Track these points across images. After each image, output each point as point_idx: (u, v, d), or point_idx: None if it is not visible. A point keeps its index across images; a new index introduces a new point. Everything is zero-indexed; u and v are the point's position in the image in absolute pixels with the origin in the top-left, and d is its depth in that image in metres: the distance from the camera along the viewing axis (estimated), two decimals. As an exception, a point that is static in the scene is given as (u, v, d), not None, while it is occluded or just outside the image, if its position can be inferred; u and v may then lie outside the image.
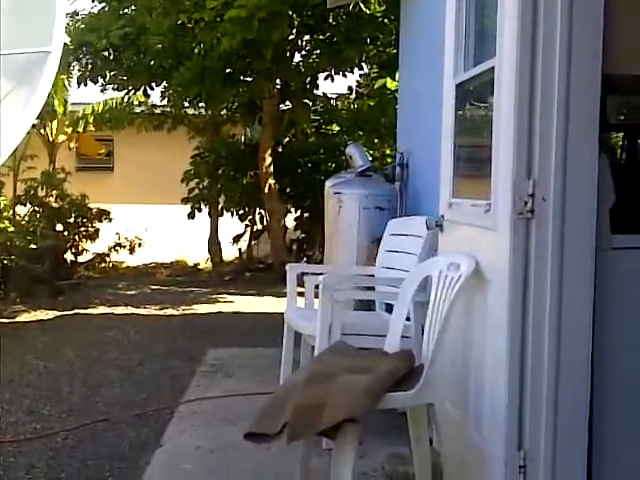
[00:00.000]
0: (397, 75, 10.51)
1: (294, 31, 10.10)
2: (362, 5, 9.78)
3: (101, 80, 10.69)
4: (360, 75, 12.00)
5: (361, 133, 12.15)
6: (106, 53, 10.27)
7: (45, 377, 5.48)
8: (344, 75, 10.72)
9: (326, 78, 10.72)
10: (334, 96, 12.43)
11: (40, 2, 3.48)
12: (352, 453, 2.66)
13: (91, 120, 12.97)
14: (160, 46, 9.72)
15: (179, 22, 9.44)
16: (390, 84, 11.02)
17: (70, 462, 3.78)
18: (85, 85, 10.67)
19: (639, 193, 3.14)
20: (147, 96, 10.94)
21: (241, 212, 12.54)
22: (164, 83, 10.83)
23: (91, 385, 5.27)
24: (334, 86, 11.27)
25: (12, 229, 9.18)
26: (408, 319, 3.55)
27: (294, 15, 9.40)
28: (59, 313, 8.41)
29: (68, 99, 12.52)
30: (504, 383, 2.62)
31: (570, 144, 2.52)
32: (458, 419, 3.11)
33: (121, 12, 10.44)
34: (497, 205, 2.71)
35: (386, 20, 10.27)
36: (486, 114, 3.03)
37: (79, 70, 10.59)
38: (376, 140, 12.20)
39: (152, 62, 10.07)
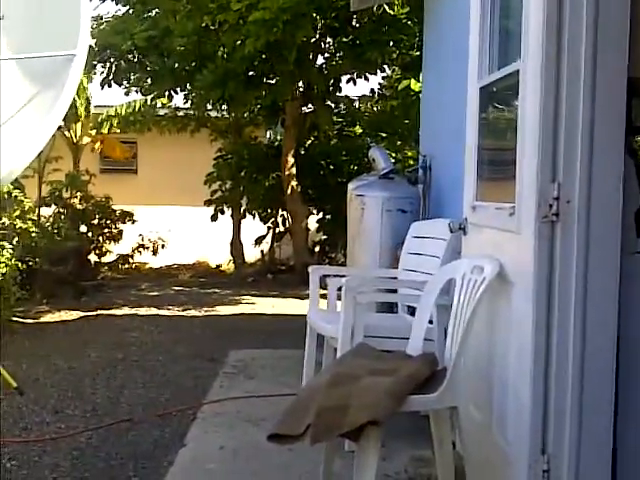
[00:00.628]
0: (421, 77, 10.53)
1: (317, 33, 10.11)
2: (386, 7, 9.76)
3: (125, 83, 10.74)
4: (383, 77, 11.99)
5: (384, 135, 12.13)
6: (130, 56, 10.32)
7: (69, 377, 5.52)
8: (366, 78, 10.70)
9: (348, 81, 10.72)
10: (357, 97, 12.41)
11: (65, 6, 3.52)
12: (375, 455, 2.66)
13: (115, 123, 13.05)
14: (183, 48, 9.76)
15: (203, 25, 9.48)
16: (414, 85, 10.99)
17: (94, 462, 3.81)
18: (109, 87, 10.74)
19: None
20: (171, 99, 10.99)
21: (263, 214, 12.58)
22: (187, 86, 10.88)
23: (115, 385, 5.31)
24: (357, 88, 11.27)
25: (35, 229, 9.25)
26: (431, 322, 3.55)
27: (318, 17, 9.40)
28: (83, 314, 8.47)
29: (91, 101, 12.62)
30: (528, 387, 2.61)
31: (595, 147, 2.51)
32: (481, 422, 3.10)
33: (145, 15, 10.50)
34: (521, 208, 2.70)
35: (409, 22, 10.25)
36: (510, 117, 3.02)
37: (102, 72, 10.66)
38: (399, 142, 12.19)
39: (176, 65, 10.12)
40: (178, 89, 10.68)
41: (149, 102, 12.43)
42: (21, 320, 7.88)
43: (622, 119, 2.54)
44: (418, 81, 10.78)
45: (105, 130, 13.39)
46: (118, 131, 13.49)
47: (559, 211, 2.53)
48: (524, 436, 2.63)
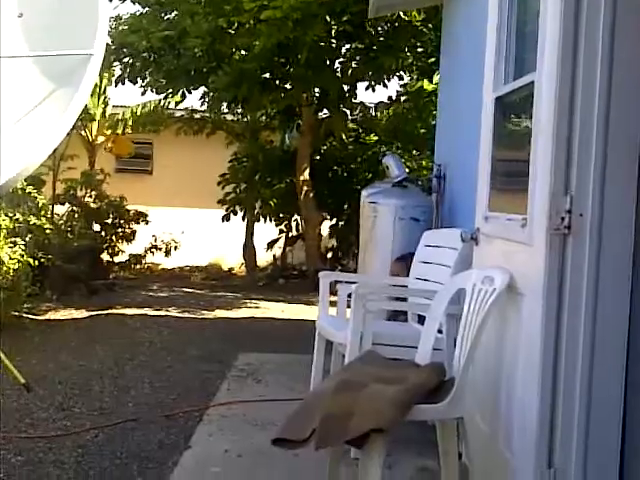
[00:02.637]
0: (434, 79, 10.54)
1: (332, 38, 10.11)
2: (402, 13, 9.75)
3: (140, 82, 10.77)
4: (401, 85, 11.97)
5: (399, 145, 12.12)
6: (146, 54, 10.35)
7: (77, 375, 5.53)
8: (384, 85, 10.67)
9: (367, 88, 10.70)
10: (373, 104, 12.40)
11: (83, 5, 3.53)
12: (379, 463, 2.65)
13: (130, 123, 13.09)
14: (198, 49, 9.79)
15: (218, 26, 9.53)
16: (427, 85, 10.98)
17: (99, 460, 3.81)
18: (123, 84, 10.74)
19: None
20: (184, 98, 10.99)
21: (276, 218, 12.58)
22: (203, 87, 10.90)
23: (122, 385, 5.32)
24: (374, 96, 11.24)
25: (49, 226, 9.29)
26: (440, 332, 3.53)
27: (332, 21, 9.40)
28: (93, 312, 8.50)
29: (109, 101, 12.66)
30: (536, 399, 2.60)
31: (609, 160, 2.50)
32: (488, 434, 3.09)
33: (163, 16, 10.54)
34: (533, 220, 2.69)
35: (425, 29, 10.24)
36: (525, 128, 3.02)
37: (120, 69, 10.69)
38: (414, 152, 12.18)
39: (190, 66, 10.14)
40: (192, 88, 10.68)
41: (163, 102, 12.46)
42: (31, 316, 7.92)
43: (637, 133, 2.53)
44: (431, 82, 10.79)
45: (120, 131, 13.44)
46: (130, 132, 13.54)
47: (571, 224, 2.52)
48: (530, 449, 2.62)
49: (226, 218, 12.42)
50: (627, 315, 2.54)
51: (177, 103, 12.51)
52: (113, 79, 11.17)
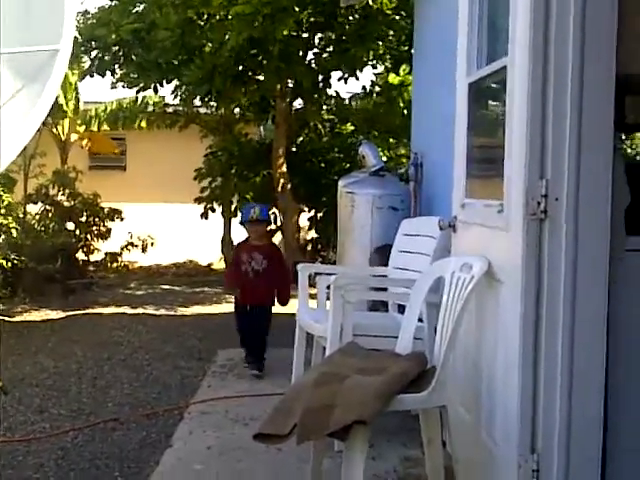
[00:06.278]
0: (401, 71, 10.50)
1: (304, 29, 10.04)
2: (370, 1, 9.68)
3: (110, 76, 10.64)
4: (375, 75, 11.93)
5: (376, 134, 12.09)
6: (116, 48, 10.23)
7: (55, 376, 5.47)
8: (355, 77, 10.61)
9: (339, 79, 10.66)
10: (349, 96, 12.36)
11: (50, 1, 3.47)
12: (362, 455, 2.64)
13: (103, 119, 12.97)
14: (168, 42, 9.70)
15: (187, 18, 9.44)
16: (393, 79, 10.94)
17: (79, 461, 3.77)
18: (91, 77, 10.59)
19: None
20: (156, 92, 10.89)
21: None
22: (175, 81, 10.81)
23: (101, 385, 5.27)
24: (350, 86, 11.19)
25: (15, 225, 9.13)
26: (421, 320, 3.52)
27: (300, 12, 9.33)
28: (70, 312, 8.42)
29: (80, 98, 12.53)
30: (517, 386, 2.58)
31: (583, 144, 2.49)
32: (470, 422, 3.08)
33: (131, 9, 10.41)
34: (510, 206, 2.67)
35: (397, 17, 10.19)
36: (499, 113, 3.00)
37: (89, 63, 10.55)
38: (391, 140, 12.15)
39: (160, 58, 10.04)
40: (164, 82, 10.57)
41: (138, 98, 12.34)
42: (6, 318, 7.83)
43: (611, 116, 2.52)
44: (397, 75, 10.76)
45: (95, 127, 13.31)
46: (107, 128, 13.41)
47: (547, 208, 2.50)
48: (513, 436, 2.61)
49: (204, 216, 12.34)
50: (606, 298, 2.54)
51: (149, 100, 12.40)
52: (79, 74, 11.03)
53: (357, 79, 10.60)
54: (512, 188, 2.65)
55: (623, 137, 4.44)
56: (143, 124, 13.18)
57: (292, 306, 5.53)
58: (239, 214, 6.93)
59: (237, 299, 5.78)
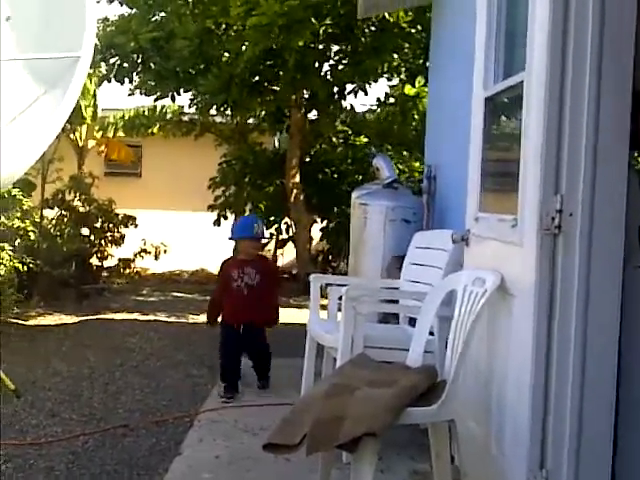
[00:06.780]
0: (417, 82, 10.50)
1: (320, 40, 10.08)
2: (387, 14, 9.71)
3: (128, 84, 10.71)
4: (390, 87, 11.95)
5: (389, 147, 12.10)
6: (135, 56, 10.31)
7: (68, 381, 5.50)
8: (365, 93, 10.60)
9: (350, 92, 10.66)
10: (364, 109, 12.38)
11: (71, 8, 3.52)
12: (371, 467, 2.64)
13: (120, 125, 13.04)
14: (186, 51, 9.76)
15: (206, 28, 9.49)
16: (409, 90, 10.94)
17: (89, 466, 3.78)
18: (109, 82, 10.67)
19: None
20: (174, 100, 10.95)
21: (266, 221, 12.53)
22: (192, 90, 10.87)
23: (112, 390, 5.28)
24: (366, 98, 11.20)
25: (33, 229, 9.20)
26: (432, 334, 3.51)
27: (317, 23, 9.37)
28: (83, 318, 8.45)
29: (99, 105, 12.60)
30: (527, 401, 2.58)
31: (599, 160, 2.49)
32: (480, 436, 3.07)
33: (151, 17, 10.49)
34: (524, 220, 2.67)
35: (413, 30, 10.22)
36: (515, 128, 3.00)
37: (106, 70, 10.62)
38: (405, 153, 12.16)
39: (178, 67, 10.11)
40: (181, 90, 10.64)
41: (156, 105, 12.40)
42: (20, 322, 7.86)
43: (626, 132, 2.52)
44: (413, 86, 10.77)
45: (111, 134, 13.37)
46: (123, 135, 13.47)
47: (561, 224, 2.50)
48: (522, 451, 2.60)
49: (217, 223, 12.38)
50: (618, 314, 2.53)
51: (164, 107, 12.47)
52: (103, 82, 11.12)
53: (366, 94, 10.61)
54: (526, 203, 2.66)
55: (636, 154, 4.42)
56: (157, 130, 13.24)
57: (303, 316, 5.53)
58: (232, 228, 6.21)
59: (224, 318, 5.33)
